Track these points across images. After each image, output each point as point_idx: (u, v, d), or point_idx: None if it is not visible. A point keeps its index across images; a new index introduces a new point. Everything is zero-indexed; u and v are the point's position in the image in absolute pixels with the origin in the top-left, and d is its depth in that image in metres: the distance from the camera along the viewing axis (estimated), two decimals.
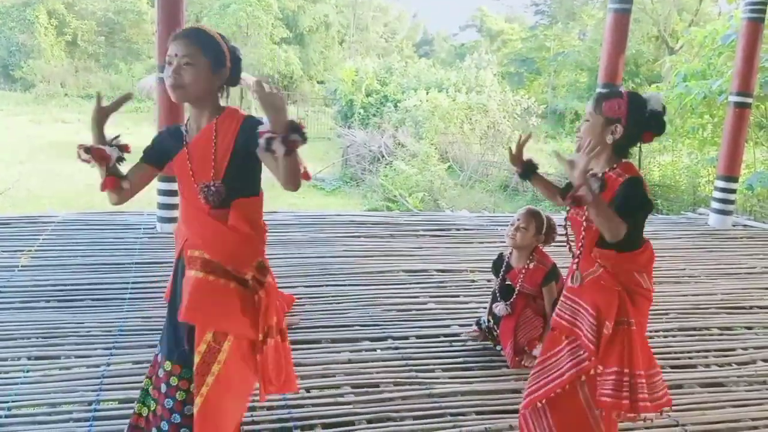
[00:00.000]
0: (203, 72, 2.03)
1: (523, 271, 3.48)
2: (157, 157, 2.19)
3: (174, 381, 2.15)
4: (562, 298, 2.39)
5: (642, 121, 2.14)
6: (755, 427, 3.00)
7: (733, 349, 3.85)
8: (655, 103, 2.13)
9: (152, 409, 2.22)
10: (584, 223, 2.22)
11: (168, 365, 2.17)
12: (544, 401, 2.24)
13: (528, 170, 2.59)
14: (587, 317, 2.21)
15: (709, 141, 11.77)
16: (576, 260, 2.33)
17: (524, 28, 36.91)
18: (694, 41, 13.33)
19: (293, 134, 1.75)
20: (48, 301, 3.87)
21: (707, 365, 3.64)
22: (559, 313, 2.36)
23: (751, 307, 4.56)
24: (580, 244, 2.29)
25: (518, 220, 3.43)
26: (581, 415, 2.20)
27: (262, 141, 1.77)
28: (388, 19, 42.39)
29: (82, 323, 3.58)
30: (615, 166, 2.18)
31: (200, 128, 2.10)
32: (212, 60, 2.05)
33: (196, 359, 2.06)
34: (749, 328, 4.19)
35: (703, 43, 12.11)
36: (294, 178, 1.86)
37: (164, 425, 2.15)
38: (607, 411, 2.20)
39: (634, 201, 2.08)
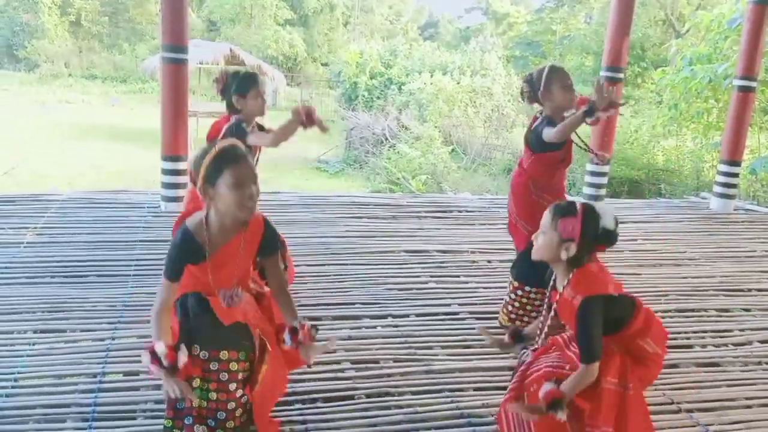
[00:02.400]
0: None
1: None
2: (182, 273, 2.21)
3: (234, 366, 2.24)
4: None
5: (595, 240, 2.23)
6: (749, 406, 3.05)
7: (730, 331, 3.89)
8: (608, 221, 2.22)
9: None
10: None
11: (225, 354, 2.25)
12: (525, 395, 2.28)
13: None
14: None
15: (714, 126, 11.72)
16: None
17: (530, 11, 36.65)
18: (701, 25, 13.24)
19: None
20: (53, 277, 3.92)
21: (704, 346, 3.68)
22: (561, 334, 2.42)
23: (749, 290, 4.59)
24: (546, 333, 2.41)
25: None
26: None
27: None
28: (393, 1, 42.13)
29: (87, 298, 3.64)
30: (569, 278, 2.24)
31: (227, 239, 2.19)
32: None
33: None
34: (747, 310, 4.23)
35: (709, 27, 12.03)
36: None
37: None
38: None
39: (595, 326, 2.15)
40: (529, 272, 3.15)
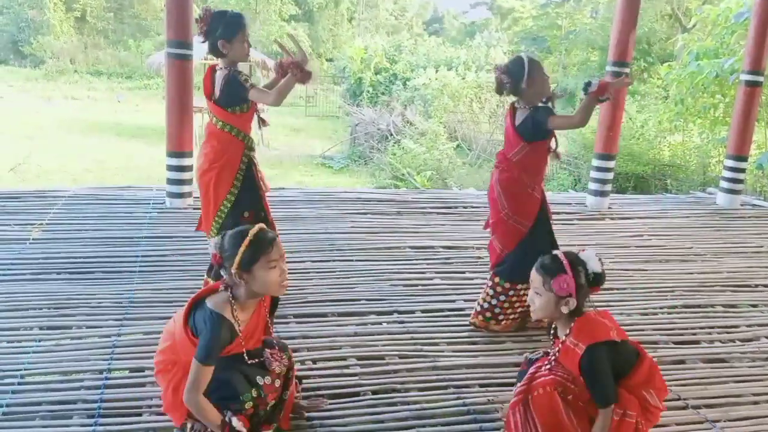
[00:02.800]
0: None
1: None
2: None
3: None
4: None
5: (588, 284, 2.31)
6: (756, 402, 3.03)
7: (737, 326, 3.87)
8: (593, 264, 2.31)
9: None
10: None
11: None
12: (530, 397, 2.30)
13: None
14: None
15: (721, 121, 11.66)
16: None
17: (536, 5, 36.44)
18: (708, 19, 13.16)
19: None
20: (59, 273, 3.93)
21: (711, 341, 3.66)
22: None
23: (756, 286, 4.56)
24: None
25: None
26: (563, 419, 2.25)
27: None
28: None
29: (93, 295, 3.64)
30: (571, 327, 2.30)
31: (249, 316, 2.38)
32: None
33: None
34: (754, 306, 4.21)
35: (716, 21, 11.96)
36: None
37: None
38: None
39: (603, 372, 2.23)
40: (524, 270, 3.16)
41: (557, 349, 2.32)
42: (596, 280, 2.32)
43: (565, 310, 2.28)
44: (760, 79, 6.68)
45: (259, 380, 2.34)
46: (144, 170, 11.44)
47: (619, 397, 2.25)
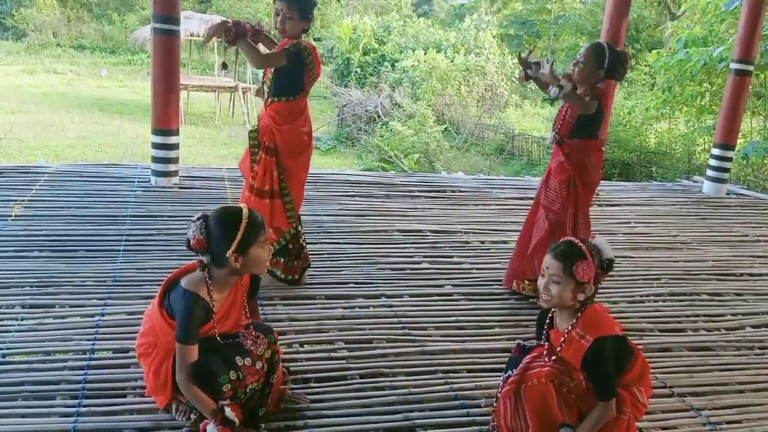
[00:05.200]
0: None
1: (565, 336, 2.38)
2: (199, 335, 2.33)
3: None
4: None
5: (602, 272, 2.29)
6: (741, 391, 3.06)
7: (723, 315, 3.90)
8: (607, 251, 2.29)
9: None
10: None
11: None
12: (523, 388, 2.29)
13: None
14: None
15: (707, 109, 11.71)
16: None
17: None
18: (697, 7, 13.16)
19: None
20: (41, 251, 3.86)
21: (696, 330, 3.68)
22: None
23: (741, 274, 4.60)
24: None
25: (579, 55, 3.49)
26: (554, 411, 2.24)
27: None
28: None
29: (77, 273, 3.58)
30: (577, 318, 2.27)
31: (223, 296, 2.37)
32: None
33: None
34: (739, 295, 4.24)
35: (705, 9, 11.96)
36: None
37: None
38: None
39: (609, 365, 2.21)
40: None
41: (562, 340, 2.28)
42: (608, 267, 2.29)
43: (581, 297, 2.24)
44: (750, 68, 6.69)
45: (238, 361, 2.32)
46: (128, 147, 11.28)
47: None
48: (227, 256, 2.23)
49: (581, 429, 2.22)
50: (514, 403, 2.30)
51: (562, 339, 2.28)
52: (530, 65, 3.55)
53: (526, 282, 3.74)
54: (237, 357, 2.33)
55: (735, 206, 6.47)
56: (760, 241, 5.40)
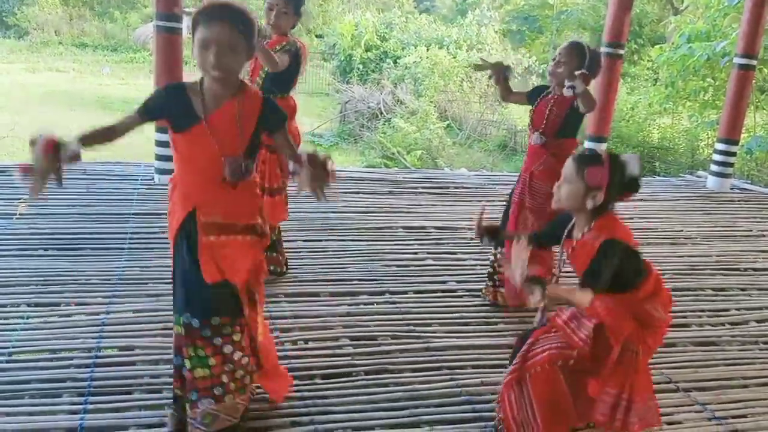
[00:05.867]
0: (243, 57, 2.11)
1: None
2: (155, 116, 2.21)
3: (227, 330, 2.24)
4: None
5: (621, 187, 2.22)
6: (746, 386, 3.06)
7: (727, 310, 3.90)
8: (633, 167, 2.21)
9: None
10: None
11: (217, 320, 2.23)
12: (527, 376, 2.28)
13: None
14: (586, 327, 2.23)
15: (710, 104, 11.68)
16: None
17: None
18: (700, 2, 13.12)
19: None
20: (46, 249, 3.87)
21: (701, 325, 3.69)
22: (559, 313, 2.35)
23: (745, 269, 4.60)
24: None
25: (559, 54, 3.42)
26: (562, 395, 2.23)
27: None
28: None
29: (82, 272, 3.59)
30: (591, 225, 2.23)
31: (219, 104, 2.12)
32: (250, 42, 2.12)
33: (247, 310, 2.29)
34: (743, 290, 4.24)
35: (708, 4, 11.92)
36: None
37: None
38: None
39: (608, 267, 2.15)
40: None
41: (572, 246, 2.24)
42: (631, 185, 2.22)
43: (590, 204, 2.19)
44: (754, 62, 6.67)
45: None
46: (130, 146, 11.23)
47: (622, 331, 2.17)
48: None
49: (553, 287, 2.21)
50: (519, 394, 2.29)
51: (572, 246, 2.23)
52: (496, 67, 3.56)
53: None
54: None
55: (739, 201, 6.46)
56: (764, 236, 5.39)
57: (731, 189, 6.90)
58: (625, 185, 2.21)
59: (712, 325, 3.69)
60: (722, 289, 4.20)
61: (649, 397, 2.28)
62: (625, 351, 2.20)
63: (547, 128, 3.46)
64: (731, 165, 6.99)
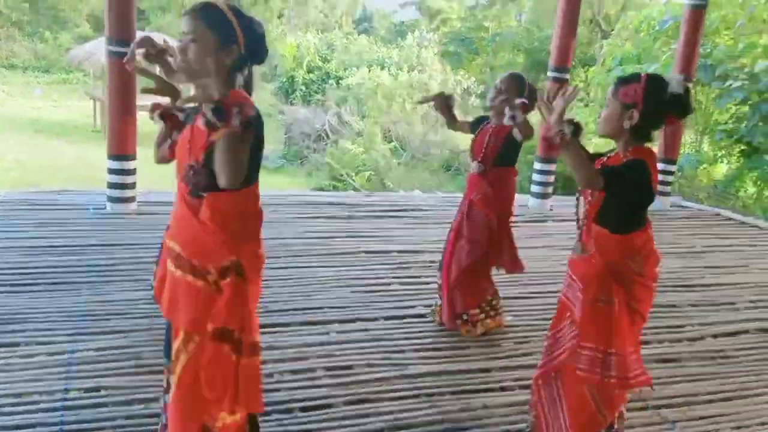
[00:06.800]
0: (208, 50, 1.91)
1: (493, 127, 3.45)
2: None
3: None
4: (567, 273, 2.46)
5: (662, 106, 2.16)
6: (711, 401, 3.18)
7: (683, 326, 4.05)
8: (676, 85, 2.15)
9: None
10: (589, 197, 2.30)
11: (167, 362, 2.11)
12: (554, 373, 2.36)
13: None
14: (576, 291, 2.30)
15: None
16: (579, 232, 2.42)
17: (463, 7, 36.99)
18: (630, 26, 13.72)
19: None
20: (0, 286, 3.69)
21: (660, 341, 3.81)
22: (563, 290, 2.46)
23: (694, 285, 4.78)
24: (583, 216, 2.38)
25: (500, 83, 3.45)
26: (592, 414, 2.31)
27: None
28: None
29: (40, 308, 3.44)
30: (629, 150, 2.23)
31: (199, 110, 1.98)
32: (221, 37, 1.92)
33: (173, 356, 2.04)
34: (694, 306, 4.40)
35: (638, 28, 12.49)
36: None
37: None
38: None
39: (622, 176, 2.15)
40: None
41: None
42: (674, 104, 2.15)
43: (626, 124, 2.17)
44: (689, 85, 6.99)
45: None
46: (69, 170, 10.93)
47: (605, 278, 2.25)
48: None
49: (576, 146, 2.12)
50: (549, 391, 2.37)
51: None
52: (438, 98, 3.55)
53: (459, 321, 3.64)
54: None
55: (679, 218, 6.73)
56: (707, 252, 5.63)
57: (671, 207, 7.19)
58: (666, 105, 2.16)
59: (671, 342, 3.82)
60: (674, 306, 4.36)
61: (629, 352, 2.29)
62: (597, 302, 2.25)
63: (486, 157, 3.51)
64: (670, 183, 7.30)
